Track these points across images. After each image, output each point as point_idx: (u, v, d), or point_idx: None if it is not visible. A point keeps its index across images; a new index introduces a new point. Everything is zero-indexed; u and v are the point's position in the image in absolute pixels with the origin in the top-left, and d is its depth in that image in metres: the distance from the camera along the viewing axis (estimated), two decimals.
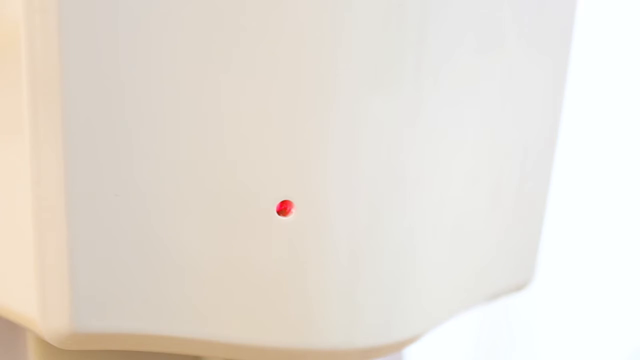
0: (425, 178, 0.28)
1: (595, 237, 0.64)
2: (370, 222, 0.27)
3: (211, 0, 0.24)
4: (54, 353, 0.35)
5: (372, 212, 0.27)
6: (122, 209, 0.25)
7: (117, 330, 0.26)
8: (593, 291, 0.65)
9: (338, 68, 0.25)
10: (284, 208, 0.26)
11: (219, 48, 0.24)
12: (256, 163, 0.25)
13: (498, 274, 0.35)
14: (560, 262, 0.63)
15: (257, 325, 0.27)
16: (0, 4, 0.26)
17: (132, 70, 0.24)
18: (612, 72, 0.61)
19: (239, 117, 0.25)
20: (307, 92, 0.25)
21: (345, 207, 0.27)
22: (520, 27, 0.30)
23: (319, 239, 0.27)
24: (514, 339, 0.65)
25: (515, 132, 0.32)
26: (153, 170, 0.25)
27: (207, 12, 0.24)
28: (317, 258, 0.27)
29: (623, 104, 0.62)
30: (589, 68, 0.59)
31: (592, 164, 0.63)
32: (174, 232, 0.26)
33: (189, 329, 0.27)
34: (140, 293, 0.26)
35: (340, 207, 0.26)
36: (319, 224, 0.26)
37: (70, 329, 0.25)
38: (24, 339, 0.37)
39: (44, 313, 0.25)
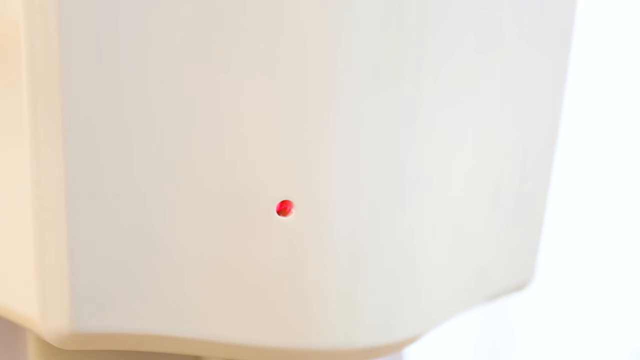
0: (425, 178, 0.28)
1: (595, 237, 0.64)
2: (370, 222, 0.27)
3: (211, 1, 0.24)
4: (54, 353, 0.35)
5: (372, 212, 0.27)
6: (122, 209, 0.25)
7: (117, 330, 0.26)
8: (593, 291, 0.65)
9: (338, 68, 0.25)
10: (284, 208, 0.26)
11: (219, 48, 0.24)
12: (256, 163, 0.25)
13: (498, 274, 0.35)
14: (560, 262, 0.63)
15: (257, 325, 0.27)
16: (0, 4, 0.26)
17: (132, 70, 0.24)
18: (612, 72, 0.61)
19: (239, 117, 0.25)
20: (307, 92, 0.25)
21: (345, 207, 0.27)
22: (520, 27, 0.30)
23: (319, 239, 0.27)
24: (514, 339, 0.65)
25: (515, 132, 0.32)
26: (153, 170, 0.25)
27: (207, 12, 0.24)
28: (317, 258, 0.27)
29: (623, 104, 0.62)
30: (589, 68, 0.59)
31: (592, 164, 0.63)
32: (174, 232, 0.26)
33: (189, 329, 0.27)
34: (140, 293, 0.26)
35: (340, 207, 0.26)
36: (319, 224, 0.26)
37: (70, 329, 0.25)
38: (24, 339, 0.37)
39: (44, 313, 0.25)
